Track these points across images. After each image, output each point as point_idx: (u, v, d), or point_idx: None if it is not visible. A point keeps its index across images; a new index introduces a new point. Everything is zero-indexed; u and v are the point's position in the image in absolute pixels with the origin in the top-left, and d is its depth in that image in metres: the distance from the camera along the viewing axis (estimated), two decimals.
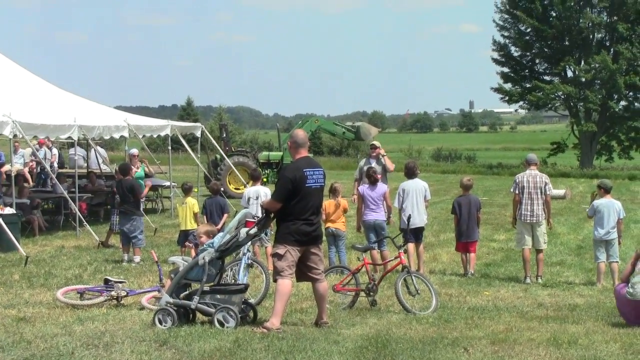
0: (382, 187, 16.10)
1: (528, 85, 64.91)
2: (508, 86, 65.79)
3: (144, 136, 25.75)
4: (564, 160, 65.17)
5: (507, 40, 65.88)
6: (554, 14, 62.59)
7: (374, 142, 18.83)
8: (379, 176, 16.38)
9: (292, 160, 11.22)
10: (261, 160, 36.22)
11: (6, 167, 25.86)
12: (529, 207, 15.74)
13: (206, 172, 31.85)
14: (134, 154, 23.06)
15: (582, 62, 62.64)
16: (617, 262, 15.39)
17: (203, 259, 10.80)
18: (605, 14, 62.53)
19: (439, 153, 78.63)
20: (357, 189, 16.32)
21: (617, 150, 65.36)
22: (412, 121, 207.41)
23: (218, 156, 34.66)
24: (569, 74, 64.11)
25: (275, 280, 10.67)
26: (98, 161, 29.17)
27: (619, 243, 15.67)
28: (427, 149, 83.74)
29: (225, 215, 16.79)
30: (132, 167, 21.94)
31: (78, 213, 21.17)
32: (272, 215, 10.79)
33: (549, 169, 55.83)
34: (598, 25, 61.83)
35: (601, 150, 65.24)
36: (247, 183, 31.99)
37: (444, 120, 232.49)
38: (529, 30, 64.32)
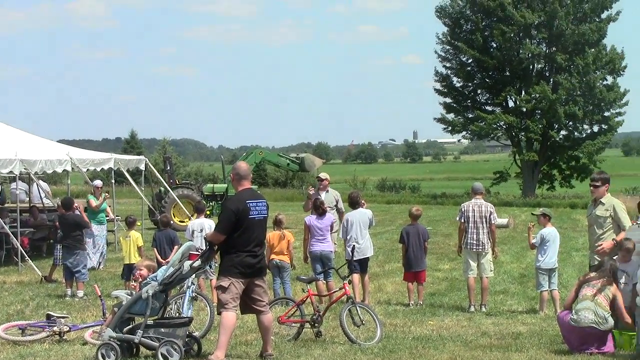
0: (329, 218, 16.16)
1: (470, 116, 65.49)
2: (451, 116, 66.31)
3: (87, 170, 25.53)
4: (507, 190, 65.78)
5: (449, 71, 66.49)
6: (495, 45, 63.36)
7: (321, 174, 18.84)
8: (327, 207, 16.45)
9: (235, 192, 11.24)
10: (206, 193, 36.13)
11: None
12: (474, 236, 15.88)
13: (150, 205, 31.64)
14: (98, 185, 22.73)
15: (523, 92, 63.41)
16: (557, 290, 15.58)
17: (147, 292, 10.75)
18: (544, 45, 63.53)
19: (384, 183, 78.85)
20: (305, 220, 16.36)
21: (559, 179, 66.16)
22: (356, 152, 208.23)
23: (162, 189, 34.49)
24: (510, 103, 64.84)
25: (219, 313, 10.65)
26: (40, 195, 28.86)
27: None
28: (372, 180, 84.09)
29: (176, 247, 16.68)
30: (96, 198, 21.78)
31: (20, 248, 20.91)
32: (216, 247, 10.79)
33: (492, 198, 56.32)
34: (537, 55, 62.72)
35: (543, 179, 65.98)
36: (192, 216, 31.92)
37: (388, 150, 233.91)
38: (470, 61, 65.02)
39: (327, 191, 18.19)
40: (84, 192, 40.94)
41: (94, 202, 21.61)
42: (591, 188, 13.58)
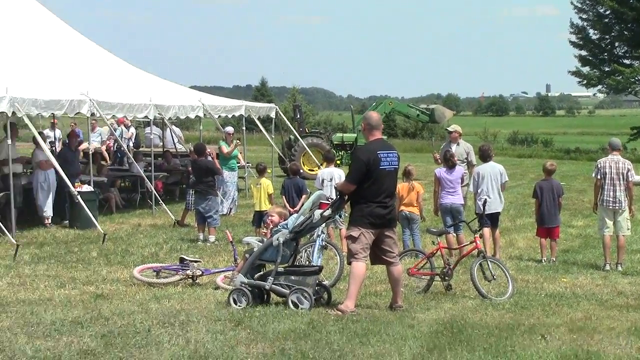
0: (459, 170, 15.95)
1: (607, 69, 63.59)
2: (586, 70, 64.56)
3: (219, 116, 25.83)
4: None
5: (585, 23, 64.65)
6: None
7: (451, 127, 18.57)
8: (456, 159, 16.22)
9: (365, 142, 11.13)
10: (335, 142, 36.18)
11: (84, 145, 26.25)
12: (611, 193, 15.40)
13: (280, 153, 31.89)
14: (230, 132, 22.88)
15: None
16: None
17: (277, 239, 10.79)
18: None
19: (515, 137, 77.50)
20: (435, 172, 16.19)
21: None
22: (487, 104, 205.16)
23: (292, 137, 34.67)
24: None
25: (349, 263, 10.62)
26: (174, 140, 29.44)
27: None
28: (502, 133, 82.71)
29: (304, 196, 16.68)
30: (228, 145, 21.98)
31: (154, 192, 21.37)
32: (346, 197, 10.72)
33: (629, 154, 54.62)
34: None
35: None
36: (321, 164, 32.05)
37: (520, 103, 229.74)
38: (608, 12, 62.98)
39: (458, 144, 17.95)
40: (215, 139, 41.61)
41: (225, 149, 21.82)
42: None
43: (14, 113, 17.09)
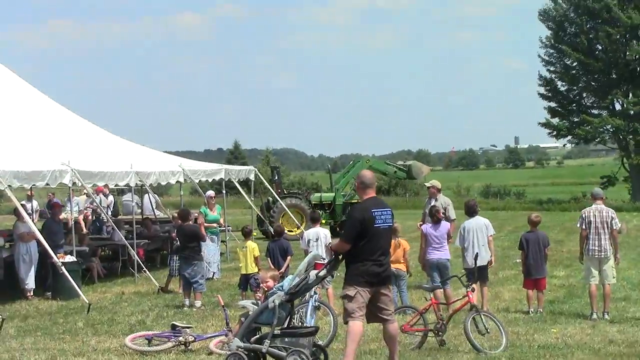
0: (445, 225, 16.06)
1: (576, 119, 64.45)
2: (555, 121, 65.40)
3: (199, 181, 25.85)
4: (615, 195, 64.25)
5: (553, 75, 65.63)
6: (600, 47, 62.28)
7: (432, 182, 18.80)
8: (442, 215, 16.34)
9: (358, 201, 11.20)
10: (314, 202, 36.24)
11: (62, 215, 26.11)
12: (596, 242, 15.53)
13: (260, 215, 31.89)
14: (211, 195, 22.96)
15: (630, 95, 62.10)
16: None
17: (273, 302, 10.77)
18: None
19: (488, 190, 78.02)
20: (421, 228, 16.31)
21: None
22: (457, 158, 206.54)
23: (270, 199, 34.73)
24: (617, 106, 63.60)
25: (346, 322, 10.60)
26: (152, 207, 29.38)
27: None
28: (475, 186, 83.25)
29: (289, 257, 16.75)
30: (210, 209, 22.01)
31: (137, 259, 21.28)
32: (341, 256, 10.75)
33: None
34: None
35: None
36: (301, 225, 32.08)
37: (490, 156, 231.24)
38: (575, 64, 64.02)
39: (437, 199, 18.17)
40: (192, 203, 41.48)
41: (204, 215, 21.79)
42: None
43: None
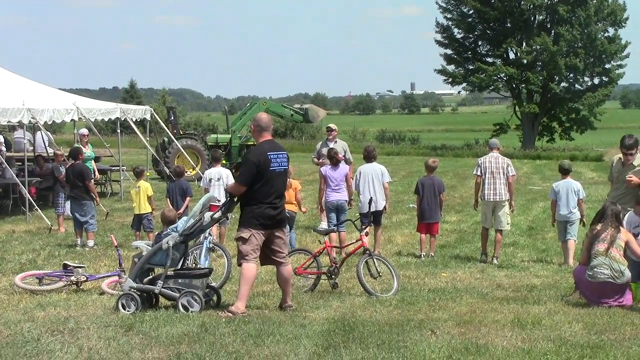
0: (344, 167, 16.21)
1: (471, 67, 65.43)
2: (451, 68, 66.30)
3: (95, 120, 25.33)
4: (507, 142, 65.55)
5: (450, 22, 66.33)
6: None
7: (331, 125, 18.99)
8: (341, 157, 16.47)
9: (254, 143, 11.17)
10: (209, 143, 35.95)
11: None
12: (492, 187, 15.80)
13: (155, 155, 31.56)
14: (84, 133, 22.68)
15: (524, 44, 63.25)
16: (574, 240, 15.60)
17: (167, 243, 10.72)
18: None
19: (383, 135, 78.79)
20: (320, 169, 16.41)
21: (559, 131, 66.27)
22: (354, 103, 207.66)
23: (166, 139, 34.35)
24: (511, 55, 64.75)
25: (240, 264, 10.62)
26: (45, 144, 28.73)
27: (583, 223, 15.73)
28: (370, 131, 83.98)
29: (188, 198, 16.69)
30: (82, 147, 21.68)
31: (29, 197, 20.86)
32: (236, 199, 10.74)
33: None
34: (539, 7, 62.42)
35: (543, 131, 66.05)
36: (196, 166, 31.87)
37: (386, 102, 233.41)
38: (471, 12, 64.80)
39: (336, 142, 18.36)
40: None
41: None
42: (627, 156, 13.40)
43: None
